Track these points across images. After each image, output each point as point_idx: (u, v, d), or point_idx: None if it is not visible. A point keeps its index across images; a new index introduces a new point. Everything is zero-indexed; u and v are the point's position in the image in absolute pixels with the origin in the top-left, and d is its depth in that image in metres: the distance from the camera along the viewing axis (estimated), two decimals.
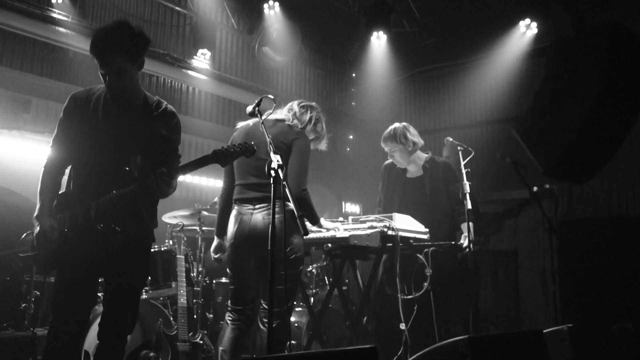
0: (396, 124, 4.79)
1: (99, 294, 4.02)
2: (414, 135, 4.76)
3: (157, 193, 2.83)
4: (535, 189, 5.78)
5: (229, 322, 3.60)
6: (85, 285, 2.86)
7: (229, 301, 3.67)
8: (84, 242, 2.80)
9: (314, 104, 3.91)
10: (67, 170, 3.01)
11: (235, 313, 3.60)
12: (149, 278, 4.46)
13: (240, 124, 3.83)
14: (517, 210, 5.84)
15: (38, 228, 2.83)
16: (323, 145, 3.96)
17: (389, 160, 4.96)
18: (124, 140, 2.89)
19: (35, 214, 2.87)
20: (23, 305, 4.36)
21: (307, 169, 3.59)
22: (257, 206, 3.49)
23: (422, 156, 4.84)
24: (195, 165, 2.89)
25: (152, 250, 4.71)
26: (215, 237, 3.80)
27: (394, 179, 4.87)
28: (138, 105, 2.98)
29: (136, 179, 2.83)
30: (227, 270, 3.69)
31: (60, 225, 2.84)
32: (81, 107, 2.93)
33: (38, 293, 4.54)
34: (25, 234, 3.16)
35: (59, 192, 2.94)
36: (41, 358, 3.71)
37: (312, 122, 3.78)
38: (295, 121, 3.68)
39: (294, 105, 3.79)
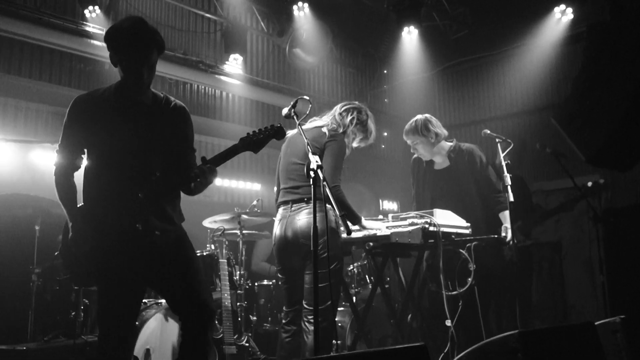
0: (418, 116, 4.70)
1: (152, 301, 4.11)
2: (436, 126, 4.64)
3: (197, 191, 2.77)
4: (589, 184, 5.65)
5: (283, 325, 3.69)
6: (129, 293, 2.81)
7: (284, 305, 3.76)
8: (121, 250, 2.72)
9: (356, 104, 3.95)
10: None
11: (287, 315, 3.68)
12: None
13: (289, 133, 3.88)
14: (570, 205, 5.69)
15: (70, 234, 2.77)
16: (371, 140, 4.01)
17: (417, 154, 4.89)
18: (142, 141, 2.81)
19: (69, 223, 2.79)
20: (73, 313, 4.46)
21: (339, 168, 3.63)
22: (293, 207, 3.61)
23: (446, 145, 4.72)
24: (225, 156, 2.82)
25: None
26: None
27: (422, 172, 4.80)
28: (148, 104, 2.88)
29: (160, 180, 2.78)
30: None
31: (92, 236, 2.73)
32: (88, 110, 2.82)
33: (87, 301, 4.64)
34: (54, 259, 3.00)
35: (80, 205, 2.82)
36: None
37: (354, 123, 3.82)
38: (334, 125, 3.75)
39: (336, 110, 3.86)
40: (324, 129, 3.70)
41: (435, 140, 4.62)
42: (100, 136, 2.80)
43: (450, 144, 4.72)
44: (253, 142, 2.82)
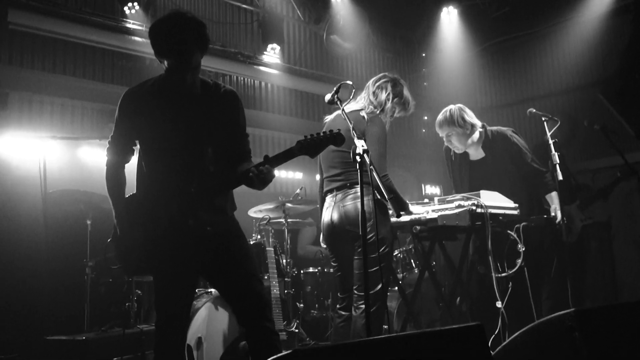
0: (451, 107, 4.51)
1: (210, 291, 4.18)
2: (471, 116, 4.47)
3: (255, 187, 2.71)
4: None
5: (337, 310, 3.71)
6: (183, 284, 2.82)
7: (338, 291, 3.77)
8: (175, 242, 2.73)
9: (388, 75, 3.81)
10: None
11: (341, 301, 3.69)
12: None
13: (327, 118, 3.87)
14: (618, 182, 5.53)
15: (113, 233, 2.83)
16: (412, 108, 3.87)
17: None
18: (192, 133, 2.78)
19: (115, 219, 2.83)
20: (127, 304, 4.58)
21: (385, 154, 3.55)
22: (337, 195, 3.58)
23: (478, 135, 4.53)
24: (282, 158, 2.76)
25: None
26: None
27: (457, 162, 4.69)
28: (197, 93, 2.82)
29: (214, 176, 2.79)
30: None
31: (143, 228, 2.76)
32: (138, 102, 2.82)
33: (139, 292, 4.76)
34: (106, 247, 3.00)
35: (132, 194, 2.86)
36: (151, 352, 3.84)
37: (391, 98, 3.70)
38: (371, 107, 3.65)
39: (370, 89, 3.75)
40: (362, 113, 3.59)
41: (470, 132, 4.46)
42: (149, 129, 2.80)
43: (481, 130, 4.53)
44: (310, 146, 2.73)
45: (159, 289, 2.86)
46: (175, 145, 2.78)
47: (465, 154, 4.67)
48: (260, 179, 2.67)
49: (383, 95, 3.70)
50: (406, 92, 3.80)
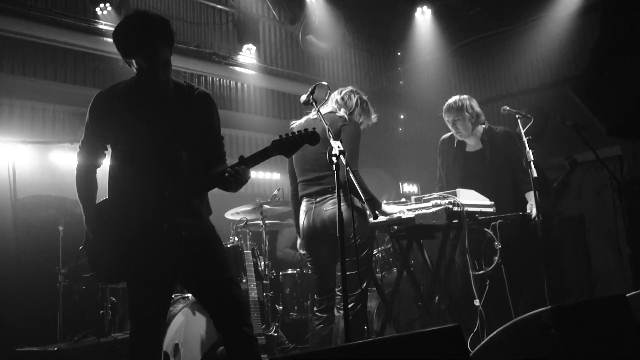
0: (460, 96, 4.72)
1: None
2: (478, 107, 4.71)
3: (231, 189, 2.67)
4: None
5: (314, 312, 3.69)
6: (158, 290, 2.77)
7: (315, 293, 3.78)
8: (149, 246, 2.67)
9: (351, 87, 3.95)
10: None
11: (319, 304, 3.70)
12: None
13: (295, 123, 3.88)
14: (568, 180, 5.65)
15: (85, 239, 2.78)
16: (374, 119, 4.02)
17: (447, 135, 4.85)
18: (165, 136, 2.73)
19: (85, 224, 2.78)
20: (101, 312, 4.50)
21: (357, 152, 3.62)
22: (318, 199, 3.61)
23: (481, 129, 4.74)
24: (258, 158, 2.73)
25: None
26: (297, 235, 3.93)
27: (453, 153, 4.77)
28: (170, 95, 2.78)
29: (188, 179, 2.73)
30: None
31: (116, 233, 2.69)
32: (108, 104, 2.77)
33: (114, 299, 4.68)
34: (78, 254, 2.95)
35: (104, 199, 2.80)
36: None
37: (359, 104, 3.82)
38: (343, 109, 3.72)
39: (336, 96, 3.84)
40: (339, 113, 3.66)
41: (475, 121, 4.65)
42: (121, 133, 2.75)
43: (484, 126, 4.72)
44: (285, 146, 2.72)
45: (133, 295, 2.79)
46: (148, 147, 2.72)
47: (462, 146, 4.76)
48: (237, 179, 2.63)
49: (353, 101, 3.81)
50: (369, 103, 3.96)
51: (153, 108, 2.75)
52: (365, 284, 3.51)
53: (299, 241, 3.91)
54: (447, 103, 4.70)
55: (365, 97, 3.91)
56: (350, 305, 3.37)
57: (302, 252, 3.92)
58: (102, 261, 2.74)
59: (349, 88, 3.91)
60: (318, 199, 3.58)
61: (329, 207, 3.51)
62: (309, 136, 2.71)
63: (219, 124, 2.92)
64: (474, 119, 4.63)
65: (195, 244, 2.76)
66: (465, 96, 4.69)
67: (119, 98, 2.78)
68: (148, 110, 2.75)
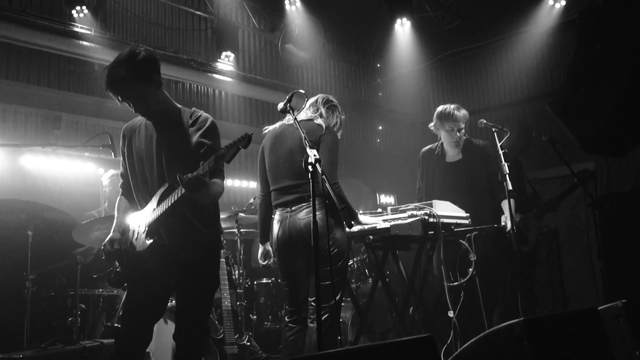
0: (456, 105, 4.71)
1: None
2: None
3: (194, 200, 2.79)
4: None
5: (287, 323, 3.64)
6: (151, 298, 2.96)
7: (286, 304, 3.71)
8: (145, 257, 2.89)
9: (334, 101, 3.87)
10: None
11: (291, 314, 3.63)
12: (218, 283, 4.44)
13: (268, 128, 3.83)
14: (566, 193, 5.69)
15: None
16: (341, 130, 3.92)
17: (427, 147, 4.87)
18: (160, 157, 2.96)
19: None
20: (70, 319, 4.40)
21: (337, 163, 3.57)
22: (293, 208, 3.54)
23: (462, 140, 4.74)
24: (206, 169, 2.67)
25: None
26: (260, 244, 3.86)
27: (433, 164, 4.78)
28: (174, 122, 3.03)
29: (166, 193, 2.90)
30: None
31: (123, 244, 3.03)
32: (128, 137, 3.12)
33: (83, 306, 4.58)
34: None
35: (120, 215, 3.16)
36: None
37: (339, 124, 3.81)
38: (322, 119, 3.68)
39: (319, 105, 3.77)
40: (318, 121, 3.61)
41: (465, 131, 4.68)
42: (133, 157, 3.07)
43: (465, 138, 4.72)
44: (223, 156, 2.65)
45: (128, 300, 3.11)
46: (144, 169, 3.01)
47: (443, 157, 4.78)
48: (189, 184, 2.63)
49: (334, 119, 3.78)
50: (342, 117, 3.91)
51: (157, 134, 3.01)
52: (340, 295, 3.47)
53: (261, 250, 3.85)
54: (452, 111, 4.64)
55: (342, 115, 3.87)
56: (324, 317, 3.33)
57: (263, 262, 3.87)
58: (111, 264, 3.09)
59: (332, 103, 3.83)
60: (293, 208, 3.52)
61: (305, 216, 3.46)
62: (243, 139, 2.66)
63: (216, 144, 2.99)
64: (465, 130, 4.68)
65: (185, 262, 2.92)
66: (461, 107, 4.71)
67: (137, 128, 3.11)
68: (147, 137, 3.03)
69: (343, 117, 3.87)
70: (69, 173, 5.61)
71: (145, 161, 3.02)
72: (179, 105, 3.13)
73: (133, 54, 2.92)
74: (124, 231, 3.07)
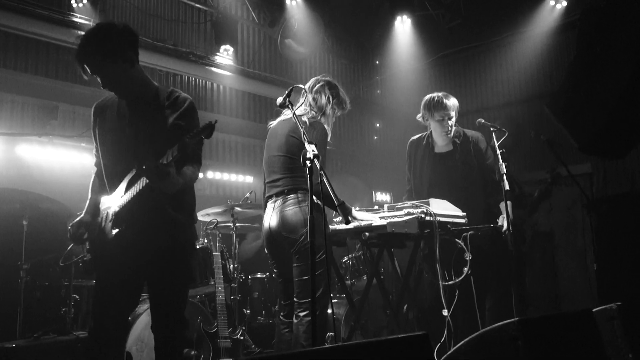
0: (444, 93, 4.56)
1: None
2: None
3: (158, 189, 2.63)
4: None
5: (280, 317, 3.65)
6: (122, 289, 2.82)
7: (280, 298, 3.74)
8: (113, 246, 2.78)
9: (320, 79, 3.82)
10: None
11: (284, 309, 3.65)
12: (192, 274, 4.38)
13: (272, 123, 3.83)
14: (549, 191, 5.70)
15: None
16: (349, 106, 3.91)
17: (416, 136, 4.79)
18: (132, 138, 2.83)
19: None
20: (63, 309, 4.39)
21: (324, 158, 3.51)
22: (276, 201, 3.55)
23: (453, 130, 4.59)
24: (170, 158, 2.57)
25: None
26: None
27: (421, 154, 4.67)
28: (148, 101, 2.89)
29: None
30: None
31: (92, 230, 2.90)
32: (100, 114, 2.98)
33: (77, 297, 4.57)
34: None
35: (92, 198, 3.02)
36: None
37: (331, 101, 3.73)
38: (312, 112, 3.66)
39: (308, 95, 3.74)
40: (304, 118, 3.59)
41: (455, 121, 4.55)
42: (105, 136, 2.93)
43: (455, 128, 4.58)
44: (185, 145, 2.56)
45: (97, 290, 2.90)
46: (117, 150, 2.87)
47: (431, 147, 4.66)
48: (151, 173, 2.54)
49: (323, 99, 3.72)
50: (341, 92, 3.85)
51: (129, 113, 2.89)
52: (321, 290, 3.43)
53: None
54: (441, 100, 4.49)
55: (335, 90, 3.79)
56: (304, 313, 3.34)
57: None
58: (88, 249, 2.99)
59: (320, 83, 3.78)
60: (278, 201, 3.54)
61: (285, 208, 3.47)
62: (204, 129, 2.57)
63: (193, 125, 2.82)
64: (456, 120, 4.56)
65: (158, 253, 2.80)
66: (449, 94, 4.57)
67: (110, 105, 2.97)
68: (126, 115, 2.89)
69: (334, 90, 3.78)
70: (65, 163, 5.58)
71: (115, 143, 2.88)
72: (156, 84, 3.00)
73: (104, 29, 2.81)
74: (94, 214, 2.92)
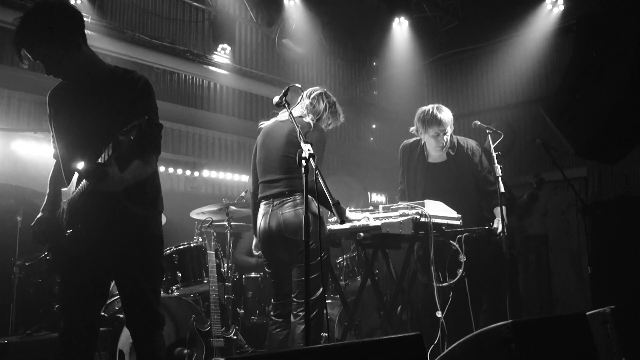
0: (438, 106, 4.44)
1: None
2: None
3: (102, 189, 2.46)
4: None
5: (271, 317, 3.65)
6: (87, 287, 2.69)
7: (272, 297, 3.73)
8: (71, 245, 2.63)
9: (318, 89, 3.85)
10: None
11: (275, 309, 3.65)
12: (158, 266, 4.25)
13: (263, 124, 3.84)
14: (536, 195, 5.71)
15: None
16: (342, 119, 3.92)
17: (410, 141, 4.72)
18: (86, 125, 2.64)
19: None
20: (56, 306, 4.37)
21: (321, 160, 3.54)
22: (275, 202, 3.56)
23: (448, 143, 4.54)
24: (106, 158, 2.43)
25: (183, 246, 4.71)
26: (254, 236, 3.87)
27: (414, 163, 4.64)
28: (101, 84, 2.68)
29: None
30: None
31: (52, 227, 2.75)
32: (54, 102, 2.80)
33: None
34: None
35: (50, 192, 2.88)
36: None
37: (327, 108, 3.77)
38: (311, 115, 3.68)
39: (305, 99, 3.77)
40: (307, 119, 3.62)
41: (450, 132, 4.47)
42: (55, 127, 2.79)
43: (449, 139, 4.50)
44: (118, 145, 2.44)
45: (62, 289, 2.83)
46: (70, 138, 2.72)
47: (425, 156, 4.63)
48: (87, 176, 2.42)
49: (321, 106, 3.75)
50: (337, 104, 3.89)
51: (80, 98, 2.69)
52: (320, 291, 3.45)
53: (254, 242, 3.87)
54: (435, 115, 4.38)
55: (333, 99, 3.86)
56: (304, 312, 3.34)
57: (256, 253, 3.87)
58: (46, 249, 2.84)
59: (318, 91, 3.83)
60: (275, 202, 3.55)
61: (286, 210, 3.49)
62: (134, 128, 2.40)
63: (148, 108, 2.68)
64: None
65: (122, 242, 2.68)
66: (443, 106, 4.47)
67: (62, 92, 2.80)
68: (77, 100, 2.70)
69: (332, 100, 3.82)
70: None
71: (70, 131, 2.70)
72: (108, 64, 2.79)
73: (45, 10, 2.56)
74: (53, 210, 2.75)
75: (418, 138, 4.66)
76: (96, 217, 2.60)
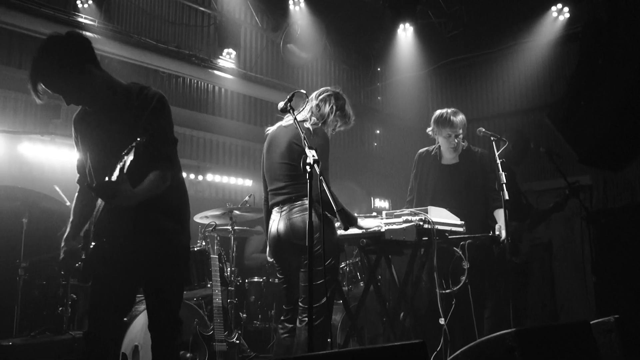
0: (453, 110, 4.64)
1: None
2: None
3: (116, 205, 2.55)
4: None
5: (281, 322, 3.68)
6: (117, 291, 2.81)
7: (283, 303, 3.73)
8: (94, 257, 2.76)
9: (330, 89, 3.81)
10: None
11: (286, 313, 3.65)
12: (187, 276, 4.18)
13: (269, 129, 3.83)
14: (562, 205, 5.66)
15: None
16: (352, 122, 3.89)
17: (424, 149, 4.86)
18: (105, 147, 2.74)
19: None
20: (60, 308, 4.38)
21: (327, 166, 3.55)
22: (284, 208, 3.55)
23: (460, 146, 4.71)
24: (116, 175, 2.51)
25: None
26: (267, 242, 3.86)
27: (428, 165, 4.75)
28: (116, 106, 2.78)
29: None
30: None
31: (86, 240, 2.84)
32: (80, 127, 2.89)
33: (75, 296, 4.55)
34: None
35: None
36: None
37: (334, 111, 3.71)
38: (314, 119, 3.65)
39: (312, 101, 3.73)
40: (306, 124, 3.57)
41: (463, 137, 4.63)
42: (84, 149, 2.88)
43: (463, 144, 4.69)
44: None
45: (93, 294, 2.87)
46: (93, 154, 2.83)
47: (439, 159, 4.74)
48: (99, 192, 2.52)
49: (326, 108, 3.70)
50: (347, 107, 3.83)
51: (101, 119, 2.79)
52: (328, 296, 3.45)
53: (268, 249, 3.87)
54: (449, 117, 4.55)
55: (342, 102, 3.79)
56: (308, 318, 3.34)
57: (270, 259, 3.88)
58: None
59: (327, 92, 3.78)
60: (284, 208, 3.55)
61: (294, 215, 3.49)
62: (131, 150, 2.54)
63: (163, 126, 2.83)
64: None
65: (149, 255, 2.79)
66: (459, 111, 4.63)
67: (86, 117, 2.88)
68: (99, 122, 2.80)
69: (341, 102, 3.77)
70: (66, 162, 5.57)
71: (93, 154, 2.83)
72: (125, 83, 2.86)
73: (55, 44, 2.63)
74: (76, 235, 2.88)
75: (434, 146, 4.80)
76: (122, 231, 2.73)
